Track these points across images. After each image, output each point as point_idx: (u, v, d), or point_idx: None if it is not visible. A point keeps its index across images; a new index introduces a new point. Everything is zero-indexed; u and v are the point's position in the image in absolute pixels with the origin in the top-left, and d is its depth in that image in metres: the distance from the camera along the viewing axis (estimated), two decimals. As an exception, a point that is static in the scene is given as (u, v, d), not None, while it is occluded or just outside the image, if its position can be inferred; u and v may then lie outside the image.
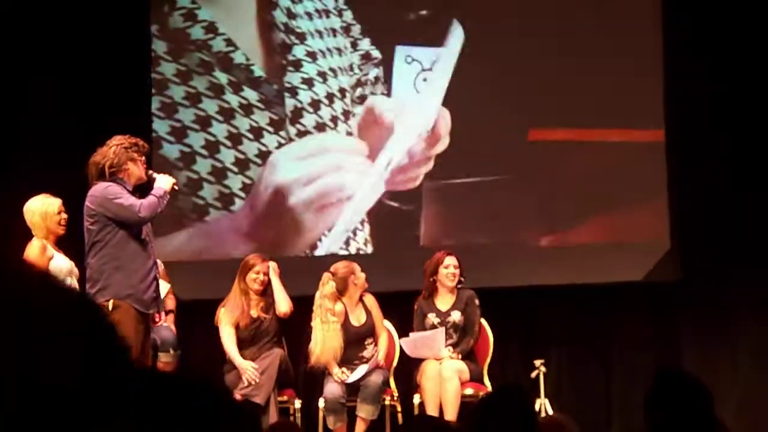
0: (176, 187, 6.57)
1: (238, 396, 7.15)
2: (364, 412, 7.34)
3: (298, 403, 7.60)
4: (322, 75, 8.60)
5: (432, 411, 7.26)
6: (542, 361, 7.85)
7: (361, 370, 7.44)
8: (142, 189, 6.40)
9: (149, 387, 1.12)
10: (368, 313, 7.64)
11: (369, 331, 7.60)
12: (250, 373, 7.25)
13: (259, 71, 8.65)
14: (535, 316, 8.47)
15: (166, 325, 7.47)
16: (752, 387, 8.11)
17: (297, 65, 8.62)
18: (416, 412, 7.46)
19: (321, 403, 7.45)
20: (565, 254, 8.24)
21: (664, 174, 8.22)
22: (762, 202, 8.10)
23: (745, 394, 8.10)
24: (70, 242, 6.93)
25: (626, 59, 8.31)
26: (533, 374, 7.81)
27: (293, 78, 8.61)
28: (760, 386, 8.10)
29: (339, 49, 8.61)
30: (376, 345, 7.63)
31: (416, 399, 7.50)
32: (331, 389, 7.37)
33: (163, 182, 6.41)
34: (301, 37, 8.63)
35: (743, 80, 8.15)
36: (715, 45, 8.21)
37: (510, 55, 8.44)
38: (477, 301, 7.67)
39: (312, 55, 8.61)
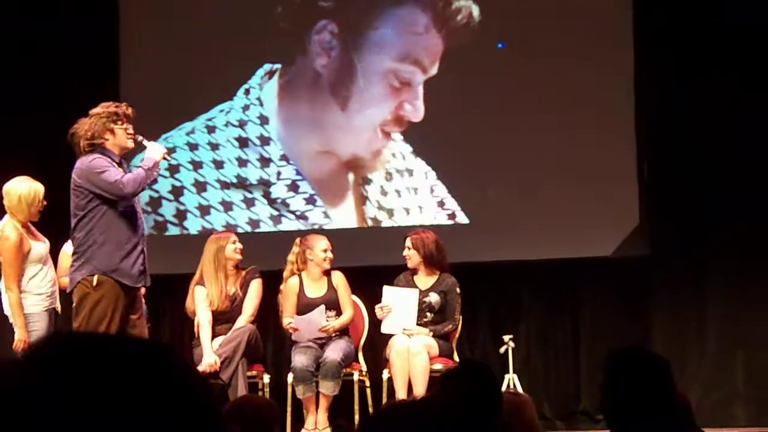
0: (167, 157, 6.40)
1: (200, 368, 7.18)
2: (325, 388, 7.39)
3: (266, 378, 7.61)
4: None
5: (400, 386, 7.29)
6: (511, 336, 7.86)
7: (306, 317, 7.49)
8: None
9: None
10: (332, 287, 7.66)
11: (327, 305, 7.62)
12: (209, 366, 7.22)
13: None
14: (503, 291, 8.49)
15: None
16: (720, 363, 8.16)
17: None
18: (385, 387, 7.48)
19: (290, 377, 7.47)
20: (534, 229, 8.24)
21: (633, 149, 8.23)
22: (731, 178, 8.12)
23: (713, 370, 8.15)
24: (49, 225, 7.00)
25: (598, 40, 8.33)
26: (502, 349, 7.82)
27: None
28: (728, 363, 8.15)
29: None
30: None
31: (385, 374, 7.51)
32: (299, 359, 7.41)
33: (153, 152, 6.26)
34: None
35: (716, 52, 8.17)
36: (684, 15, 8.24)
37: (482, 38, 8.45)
38: (458, 290, 7.68)
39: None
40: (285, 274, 7.73)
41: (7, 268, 6.63)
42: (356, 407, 7.58)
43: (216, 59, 8.63)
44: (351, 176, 8.61)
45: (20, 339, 6.64)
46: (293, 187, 8.56)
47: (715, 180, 8.14)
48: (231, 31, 8.68)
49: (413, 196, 8.51)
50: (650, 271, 8.27)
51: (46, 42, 8.60)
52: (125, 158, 6.45)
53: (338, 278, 7.73)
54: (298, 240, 7.79)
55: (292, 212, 8.54)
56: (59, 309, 6.90)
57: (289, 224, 8.54)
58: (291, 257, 7.74)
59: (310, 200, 8.56)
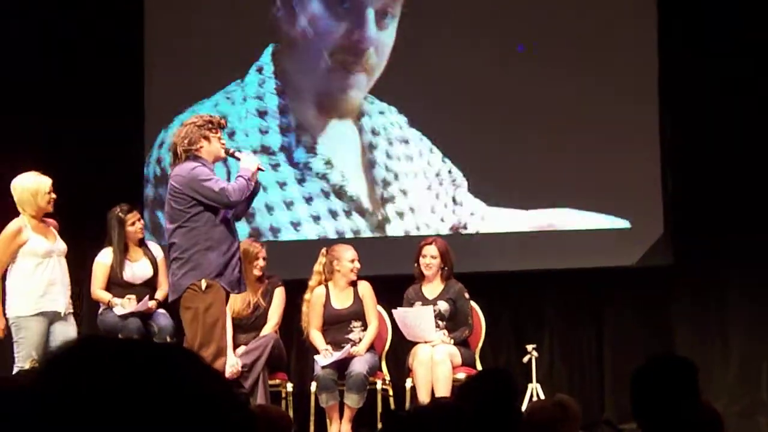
0: (262, 168, 6.52)
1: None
2: (350, 400, 7.38)
3: (290, 386, 7.61)
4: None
5: (423, 395, 7.28)
6: (534, 345, 7.84)
7: (336, 355, 7.46)
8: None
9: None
10: (358, 298, 7.66)
11: (353, 316, 7.62)
12: (232, 370, 7.22)
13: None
14: (527, 300, 8.47)
15: (163, 312, 7.45)
16: (743, 373, 8.12)
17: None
18: (408, 396, 7.47)
19: (313, 386, 7.47)
20: (558, 239, 8.23)
21: (658, 159, 8.22)
22: (756, 187, 8.09)
23: (737, 380, 8.11)
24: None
25: (621, 40, 8.32)
26: (525, 359, 7.81)
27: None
28: (751, 373, 8.11)
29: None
30: (365, 330, 7.64)
31: (408, 383, 7.51)
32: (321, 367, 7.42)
33: (249, 163, 6.37)
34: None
35: (740, 61, 8.14)
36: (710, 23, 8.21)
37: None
38: (467, 295, 7.68)
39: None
40: (311, 283, 7.72)
41: None
42: (379, 416, 7.57)
43: (222, 41, 8.65)
44: (349, 129, 8.64)
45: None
46: (311, 150, 8.62)
47: (739, 189, 8.11)
48: (232, 11, 8.73)
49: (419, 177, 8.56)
50: (674, 280, 8.24)
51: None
52: None
53: (364, 289, 7.71)
54: (324, 250, 7.77)
55: (315, 174, 8.55)
56: (67, 311, 6.91)
57: (313, 187, 8.53)
58: (318, 267, 7.72)
59: (329, 163, 8.59)
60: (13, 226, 6.83)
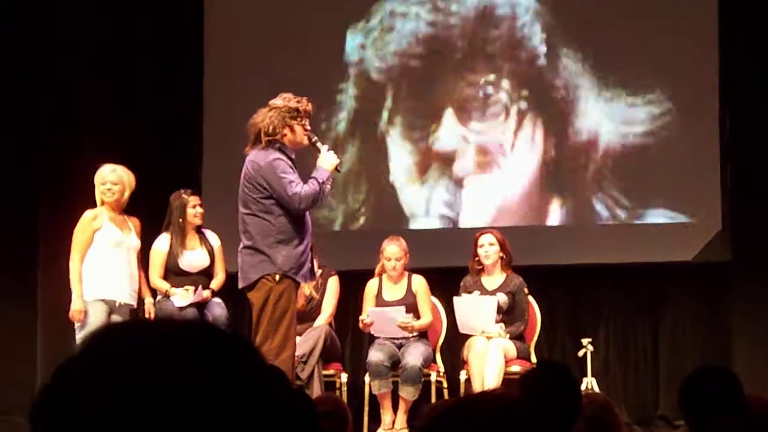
0: (339, 169, 6.35)
1: None
2: (406, 393, 7.41)
3: (344, 377, 7.63)
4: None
5: (478, 387, 7.26)
6: (590, 339, 7.81)
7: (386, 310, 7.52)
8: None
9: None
10: (410, 292, 7.67)
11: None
12: None
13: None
14: (583, 294, 8.44)
15: (218, 302, 7.48)
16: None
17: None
18: (462, 388, 7.46)
19: (367, 378, 7.49)
20: (615, 234, 8.19)
21: (717, 153, 8.15)
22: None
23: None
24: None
25: (681, 34, 8.25)
26: (580, 353, 7.77)
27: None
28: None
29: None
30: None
31: (462, 375, 7.50)
32: (375, 355, 7.45)
33: (326, 162, 6.18)
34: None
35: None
36: None
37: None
38: (526, 290, 7.65)
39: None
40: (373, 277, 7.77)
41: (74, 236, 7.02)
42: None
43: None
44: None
45: (75, 309, 6.88)
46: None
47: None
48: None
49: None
50: (732, 276, 8.16)
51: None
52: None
53: (419, 284, 7.71)
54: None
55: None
56: (124, 303, 7.00)
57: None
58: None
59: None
60: (90, 212, 7.01)
